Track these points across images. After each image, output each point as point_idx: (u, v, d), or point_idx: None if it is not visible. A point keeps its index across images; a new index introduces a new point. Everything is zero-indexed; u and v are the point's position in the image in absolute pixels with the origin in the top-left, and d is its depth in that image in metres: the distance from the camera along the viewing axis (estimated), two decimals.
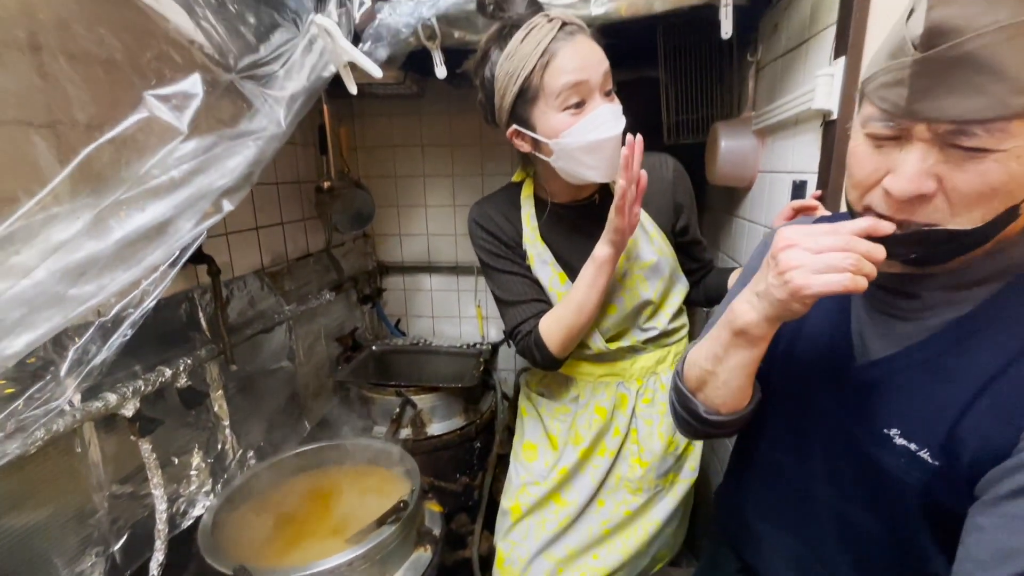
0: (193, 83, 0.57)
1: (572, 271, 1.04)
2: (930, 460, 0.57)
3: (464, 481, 1.72)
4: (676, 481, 1.18)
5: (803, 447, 0.71)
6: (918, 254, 0.52)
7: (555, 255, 1.05)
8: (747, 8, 1.28)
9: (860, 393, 0.63)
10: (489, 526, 1.74)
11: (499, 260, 1.08)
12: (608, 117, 0.89)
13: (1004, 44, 0.41)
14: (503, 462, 1.89)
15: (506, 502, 1.25)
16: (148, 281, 0.58)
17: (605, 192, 1.06)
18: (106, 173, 0.50)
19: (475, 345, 2.14)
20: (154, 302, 0.60)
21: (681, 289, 1.14)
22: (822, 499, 0.69)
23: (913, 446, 0.58)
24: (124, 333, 0.60)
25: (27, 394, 0.56)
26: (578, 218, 1.05)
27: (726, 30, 1.03)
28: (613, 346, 1.11)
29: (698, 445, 1.21)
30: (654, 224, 1.05)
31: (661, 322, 1.12)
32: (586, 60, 0.87)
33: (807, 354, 0.69)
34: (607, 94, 0.91)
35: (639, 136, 0.84)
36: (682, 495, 1.19)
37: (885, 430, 0.60)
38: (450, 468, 1.74)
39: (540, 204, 1.07)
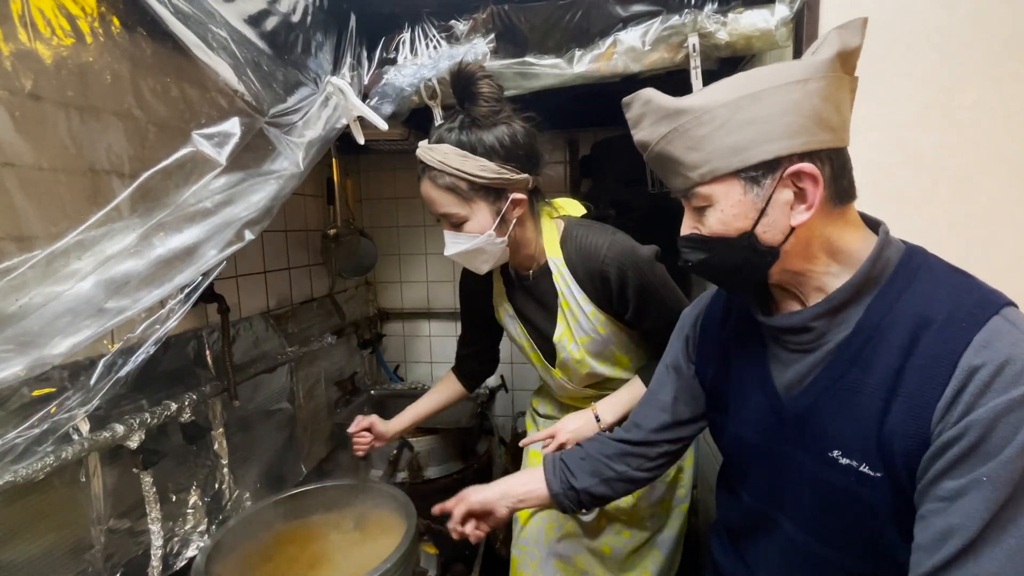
0: (232, 125, 0.66)
1: (529, 324, 1.17)
2: (871, 472, 0.61)
3: None
4: (670, 508, 1.20)
5: (776, 491, 0.74)
6: (691, 255, 0.69)
7: (517, 312, 1.17)
8: (716, 72, 1.44)
9: (798, 425, 0.68)
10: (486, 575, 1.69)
11: (463, 306, 1.30)
12: (446, 240, 1.02)
13: (668, 146, 0.63)
14: None
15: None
16: (175, 300, 0.64)
17: (538, 271, 1.11)
18: (157, 196, 0.58)
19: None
20: (176, 321, 0.66)
21: (636, 351, 1.16)
22: (800, 544, 0.71)
23: (854, 463, 0.62)
24: (148, 350, 0.66)
25: (58, 400, 0.61)
26: (524, 285, 1.14)
27: (697, 89, 1.15)
28: (580, 395, 1.20)
29: (687, 471, 1.22)
30: (592, 305, 1.06)
31: (621, 376, 1.16)
32: (427, 199, 1.00)
33: (750, 409, 0.76)
34: (450, 224, 1.01)
35: None
36: (679, 524, 1.21)
37: (829, 453, 0.65)
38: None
39: (503, 268, 1.18)
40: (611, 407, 1.09)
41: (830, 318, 0.64)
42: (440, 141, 0.95)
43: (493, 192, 0.96)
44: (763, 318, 0.71)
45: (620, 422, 1.11)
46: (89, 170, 0.61)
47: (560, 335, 1.09)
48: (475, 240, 0.97)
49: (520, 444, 1.21)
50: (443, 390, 1.35)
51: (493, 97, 0.94)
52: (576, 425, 1.08)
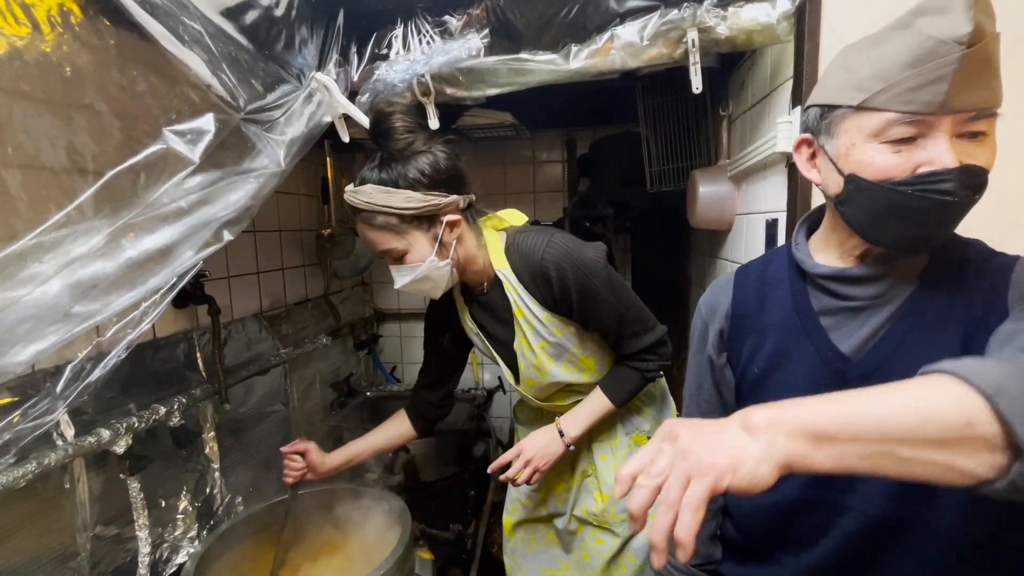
0: (207, 121, 0.64)
1: (492, 339, 1.16)
2: None
3: (457, 529, 1.67)
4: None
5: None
6: (969, 187, 0.56)
7: (480, 328, 1.17)
8: (717, 69, 1.41)
9: (867, 383, 0.62)
10: None
11: (427, 333, 1.26)
12: (393, 275, 1.03)
13: (998, 48, 0.53)
14: (497, 511, 1.84)
15: (504, 517, 1.34)
16: (148, 302, 0.62)
17: (490, 285, 1.11)
18: (125, 195, 0.56)
19: (470, 391, 2.14)
20: (149, 325, 0.64)
21: (600, 353, 1.14)
22: (874, 515, 0.65)
23: None
24: (119, 355, 0.63)
25: (21, 409, 0.59)
26: (480, 301, 1.14)
27: (696, 85, 1.12)
28: (549, 404, 1.18)
29: None
30: (543, 309, 1.05)
31: (589, 380, 1.14)
32: (364, 239, 1.01)
33: (800, 388, 0.66)
34: (392, 259, 1.01)
35: None
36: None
37: None
38: (443, 516, 1.69)
39: (463, 286, 1.17)
40: (573, 421, 1.10)
41: (896, 273, 0.64)
42: (363, 182, 0.96)
43: (425, 220, 0.98)
44: (826, 268, 0.68)
45: (584, 434, 1.11)
46: (47, 168, 0.58)
47: (519, 343, 1.10)
48: (418, 269, 0.99)
49: (488, 471, 1.18)
50: (390, 429, 1.28)
51: (406, 130, 0.96)
52: (542, 443, 1.09)
